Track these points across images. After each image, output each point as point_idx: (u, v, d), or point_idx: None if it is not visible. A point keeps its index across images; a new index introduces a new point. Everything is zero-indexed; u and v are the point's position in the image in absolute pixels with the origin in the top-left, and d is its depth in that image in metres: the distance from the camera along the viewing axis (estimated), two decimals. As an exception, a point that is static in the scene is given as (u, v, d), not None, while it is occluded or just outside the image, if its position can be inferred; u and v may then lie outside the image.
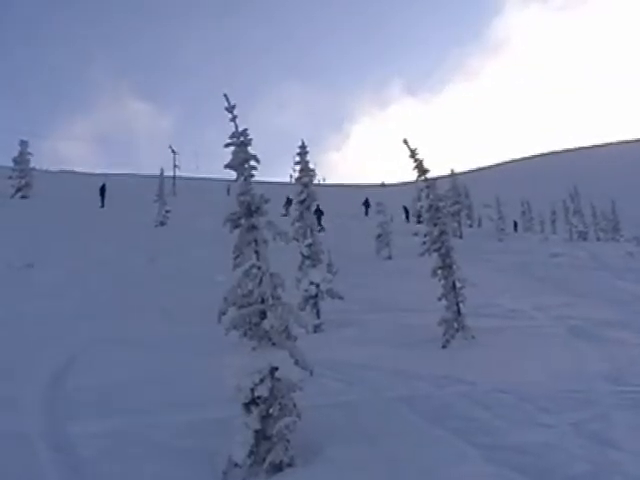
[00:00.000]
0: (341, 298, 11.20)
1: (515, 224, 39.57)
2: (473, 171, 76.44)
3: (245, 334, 5.01)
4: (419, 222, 32.14)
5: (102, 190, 36.59)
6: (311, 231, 12.10)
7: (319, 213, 29.61)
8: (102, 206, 35.56)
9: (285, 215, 39.53)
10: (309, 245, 11.98)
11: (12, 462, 5.09)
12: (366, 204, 42.15)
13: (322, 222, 30.04)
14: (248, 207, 5.08)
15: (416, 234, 26.09)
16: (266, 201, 5.17)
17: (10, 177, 36.06)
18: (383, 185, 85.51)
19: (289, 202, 41.13)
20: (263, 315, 4.96)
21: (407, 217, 40.35)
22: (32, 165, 37.70)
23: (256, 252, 5.05)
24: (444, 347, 9.61)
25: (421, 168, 10.08)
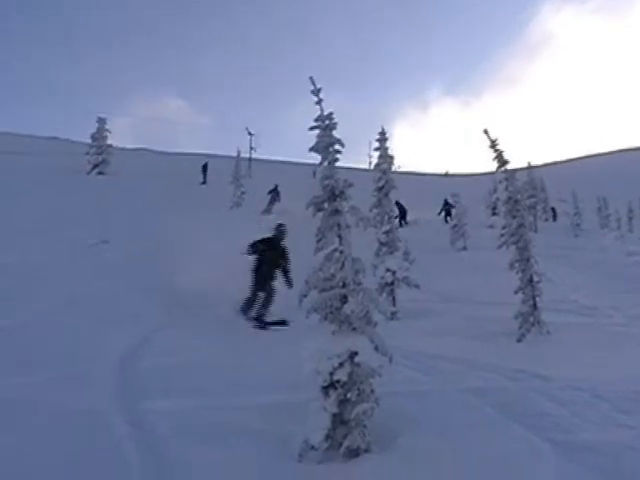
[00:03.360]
0: (417, 287, 11.13)
1: (554, 212, 38.39)
2: (549, 165, 74.16)
3: (325, 318, 5.00)
4: (494, 214, 31.47)
5: (204, 168, 38.87)
6: (389, 218, 12.06)
7: (402, 211, 27.98)
8: (204, 182, 37.73)
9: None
10: (386, 232, 11.94)
11: (90, 437, 5.21)
12: (447, 207, 30.61)
13: (407, 219, 28.72)
14: (332, 191, 5.06)
15: (491, 226, 25.60)
16: (350, 185, 5.14)
17: (87, 153, 37.09)
18: (447, 174, 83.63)
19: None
20: (344, 299, 4.94)
21: (448, 214, 30.43)
22: (109, 142, 38.49)
23: (339, 236, 5.03)
24: (519, 341, 9.50)
25: (501, 159, 9.93)
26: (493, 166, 10.10)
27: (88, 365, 7.17)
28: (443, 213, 31.26)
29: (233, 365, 7.56)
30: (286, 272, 11.04)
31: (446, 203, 30.83)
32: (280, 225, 11.52)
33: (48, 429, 5.27)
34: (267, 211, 24.56)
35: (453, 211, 26.30)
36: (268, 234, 11.29)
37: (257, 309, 10.87)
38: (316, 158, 5.25)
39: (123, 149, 51.89)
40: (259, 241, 11.07)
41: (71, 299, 10.63)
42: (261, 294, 10.94)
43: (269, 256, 10.99)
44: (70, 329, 8.85)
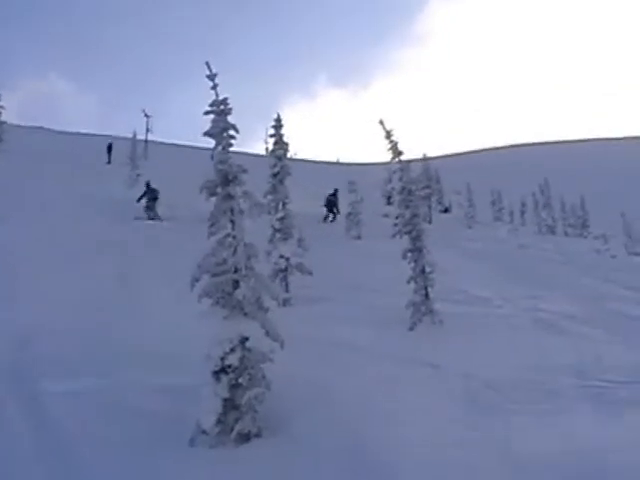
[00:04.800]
0: (310, 274, 11.09)
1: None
2: (443, 157, 76.00)
3: (217, 302, 5.00)
4: (389, 203, 31.75)
5: (109, 148, 38.66)
6: (283, 204, 12.02)
7: (334, 200, 25.74)
8: (109, 162, 37.28)
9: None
10: (281, 219, 11.88)
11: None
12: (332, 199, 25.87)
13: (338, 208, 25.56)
14: (225, 176, 5.05)
15: (386, 215, 25.89)
16: (244, 171, 5.14)
17: None
18: (338, 163, 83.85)
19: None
20: (236, 285, 4.95)
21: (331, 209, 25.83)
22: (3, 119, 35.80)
23: (232, 221, 5.03)
24: (411, 329, 9.61)
25: (396, 150, 10.05)
26: (388, 156, 10.26)
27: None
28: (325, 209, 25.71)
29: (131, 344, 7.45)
30: None
31: (332, 195, 25.88)
32: None
33: None
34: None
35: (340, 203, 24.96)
36: None
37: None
38: (210, 142, 5.24)
39: (18, 126, 48.96)
40: None
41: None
42: None
43: None
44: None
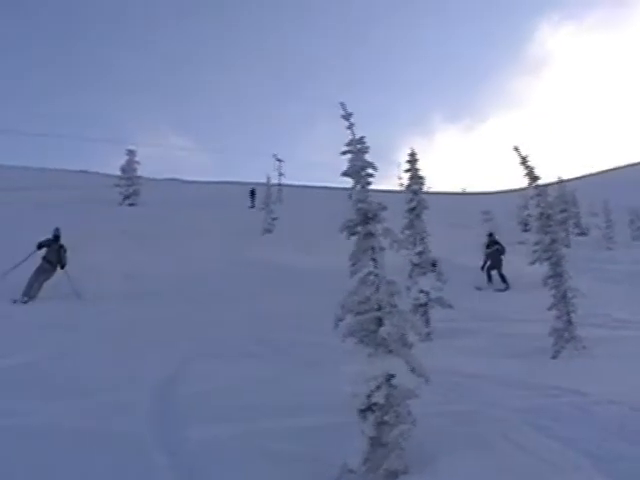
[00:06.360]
0: (451, 307, 11.11)
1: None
2: (578, 178, 72.89)
3: (362, 341, 5.03)
4: (525, 230, 31.20)
5: (252, 193, 41.72)
6: (421, 239, 12.11)
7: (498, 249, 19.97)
8: (252, 206, 39.47)
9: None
10: (419, 253, 11.98)
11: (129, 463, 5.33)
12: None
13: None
14: (365, 214, 5.11)
15: (522, 242, 25.24)
16: (383, 208, 5.18)
17: (118, 185, 37.73)
18: (465, 193, 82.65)
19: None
20: (380, 322, 4.96)
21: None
22: (139, 173, 39.28)
23: (373, 259, 5.07)
24: (554, 357, 9.40)
25: (532, 175, 9.92)
26: (523, 182, 10.08)
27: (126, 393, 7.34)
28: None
29: (267, 389, 7.62)
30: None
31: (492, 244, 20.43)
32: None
33: (87, 456, 5.42)
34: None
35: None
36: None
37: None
38: (342, 181, 5.34)
39: (153, 179, 52.47)
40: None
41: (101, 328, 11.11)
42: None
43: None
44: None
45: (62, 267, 16.20)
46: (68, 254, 16.34)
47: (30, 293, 14.93)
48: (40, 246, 16.15)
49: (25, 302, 14.50)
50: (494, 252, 19.68)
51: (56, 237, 16.55)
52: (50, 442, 5.76)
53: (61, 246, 16.40)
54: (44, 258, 16.03)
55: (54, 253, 16.15)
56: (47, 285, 15.52)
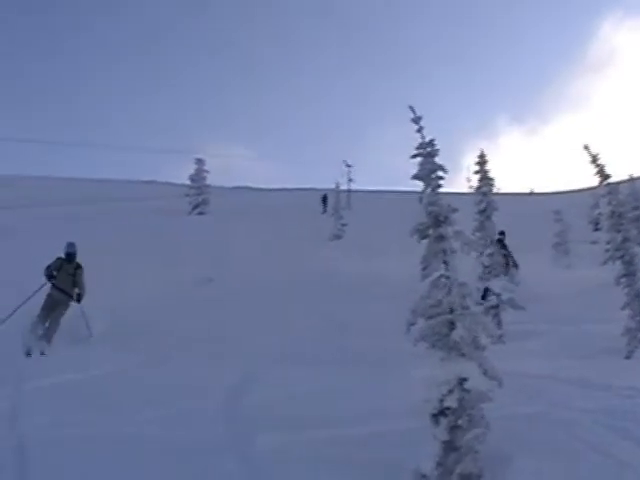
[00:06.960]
0: (522, 308, 10.99)
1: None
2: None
3: (434, 345, 5.03)
4: (596, 229, 30.50)
5: (324, 199, 41.53)
6: (491, 241, 12.04)
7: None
8: (324, 212, 39.79)
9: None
10: (490, 255, 11.90)
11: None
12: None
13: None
14: (436, 217, 5.10)
15: (594, 242, 24.66)
16: (454, 210, 5.16)
17: (187, 195, 38.52)
18: (532, 193, 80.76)
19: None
20: (452, 326, 4.95)
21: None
22: (208, 182, 40.06)
23: (445, 262, 5.06)
24: (628, 358, 9.22)
25: (603, 174, 9.74)
26: (594, 181, 10.02)
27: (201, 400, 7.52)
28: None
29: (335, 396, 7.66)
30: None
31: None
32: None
33: (171, 465, 5.60)
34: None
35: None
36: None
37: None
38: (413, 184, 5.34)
39: (221, 187, 53.11)
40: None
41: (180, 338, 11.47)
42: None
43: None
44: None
45: (78, 299, 12.00)
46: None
47: (45, 335, 11.39)
48: (50, 274, 11.99)
49: (42, 353, 10.94)
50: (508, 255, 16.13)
51: (69, 255, 12.15)
52: (138, 451, 5.97)
53: (78, 266, 12.13)
54: (54, 286, 11.93)
55: (68, 278, 11.97)
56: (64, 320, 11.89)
